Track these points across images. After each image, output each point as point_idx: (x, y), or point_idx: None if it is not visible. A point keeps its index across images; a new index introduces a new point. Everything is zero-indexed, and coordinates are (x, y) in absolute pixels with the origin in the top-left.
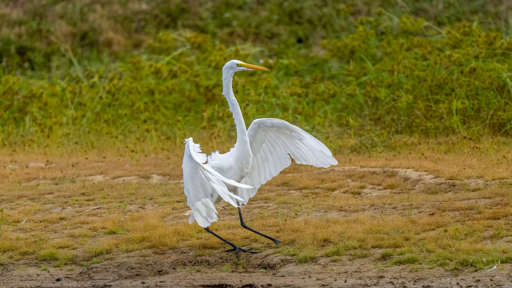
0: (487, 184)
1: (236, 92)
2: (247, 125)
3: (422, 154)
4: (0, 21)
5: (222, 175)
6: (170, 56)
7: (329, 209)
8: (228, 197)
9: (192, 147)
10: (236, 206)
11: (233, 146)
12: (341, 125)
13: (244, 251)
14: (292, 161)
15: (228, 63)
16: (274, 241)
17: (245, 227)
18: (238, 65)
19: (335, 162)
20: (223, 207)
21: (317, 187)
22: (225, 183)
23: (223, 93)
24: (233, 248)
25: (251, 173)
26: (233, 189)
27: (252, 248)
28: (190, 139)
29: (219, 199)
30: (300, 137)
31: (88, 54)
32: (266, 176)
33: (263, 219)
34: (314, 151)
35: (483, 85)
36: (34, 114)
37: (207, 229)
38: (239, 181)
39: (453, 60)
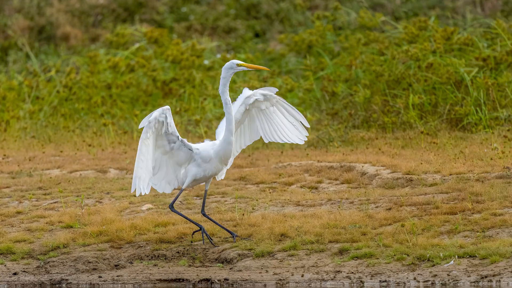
0: (444, 179)
1: (193, 87)
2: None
3: (379, 149)
4: None
5: (202, 163)
6: (128, 51)
7: (286, 203)
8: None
9: (155, 116)
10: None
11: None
12: None
13: (208, 236)
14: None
15: (228, 63)
16: (232, 234)
17: (204, 215)
18: (238, 65)
19: (306, 136)
20: (180, 201)
21: (274, 182)
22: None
23: (219, 91)
24: (198, 228)
25: None
26: (217, 173)
27: (212, 240)
28: (167, 108)
29: (193, 184)
30: (283, 106)
31: (45, 48)
32: (241, 146)
33: (220, 213)
34: (288, 125)
35: (440, 80)
36: None
37: (172, 209)
38: (217, 172)
39: (410, 55)
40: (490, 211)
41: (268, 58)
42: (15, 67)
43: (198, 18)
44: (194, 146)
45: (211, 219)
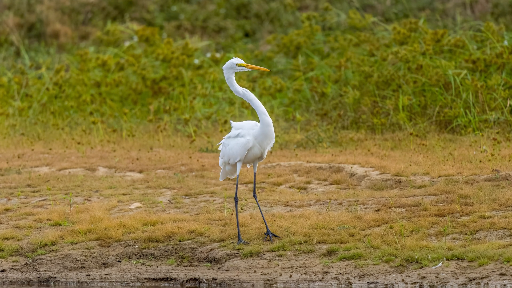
0: (433, 181)
1: (182, 85)
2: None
3: (369, 150)
4: None
5: (238, 147)
6: (117, 49)
7: (275, 204)
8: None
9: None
10: None
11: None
12: (288, 120)
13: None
14: None
15: (228, 63)
16: (269, 234)
17: (254, 197)
18: (238, 65)
19: None
20: (168, 200)
21: (263, 182)
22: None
23: (233, 92)
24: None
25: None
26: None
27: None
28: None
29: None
30: None
31: (35, 45)
32: None
33: (209, 213)
34: None
35: (430, 82)
36: None
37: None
38: (253, 161)
39: (400, 56)
40: (478, 214)
41: (258, 58)
42: (5, 63)
43: (188, 17)
44: (237, 125)
45: (259, 207)
